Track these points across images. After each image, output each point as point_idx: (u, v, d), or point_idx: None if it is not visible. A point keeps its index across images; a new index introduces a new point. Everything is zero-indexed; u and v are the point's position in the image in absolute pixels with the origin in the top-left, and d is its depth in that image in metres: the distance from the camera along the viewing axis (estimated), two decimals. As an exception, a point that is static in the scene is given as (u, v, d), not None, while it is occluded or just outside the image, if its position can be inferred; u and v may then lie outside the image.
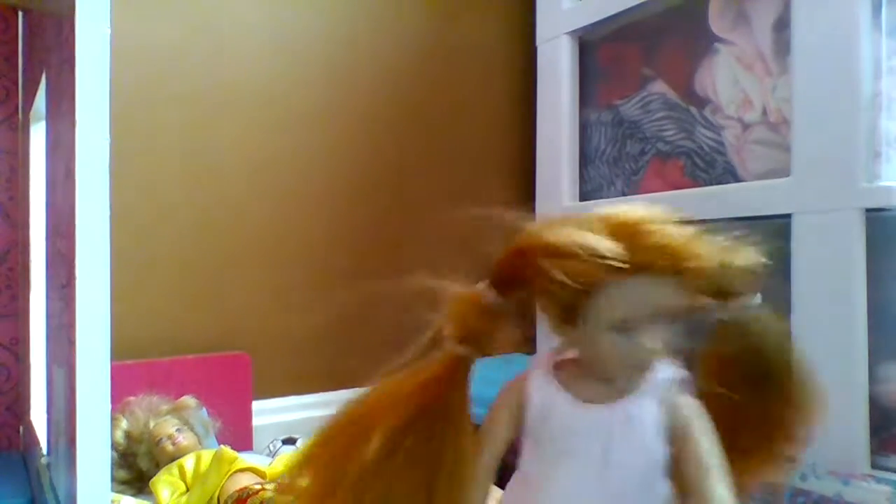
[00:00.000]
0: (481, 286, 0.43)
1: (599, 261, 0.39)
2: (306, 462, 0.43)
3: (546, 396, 0.45)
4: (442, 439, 0.42)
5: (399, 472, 0.41)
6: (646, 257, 0.40)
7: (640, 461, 0.44)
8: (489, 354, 0.43)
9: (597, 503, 0.44)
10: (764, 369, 0.46)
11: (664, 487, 0.44)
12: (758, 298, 0.45)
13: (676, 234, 0.40)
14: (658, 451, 0.44)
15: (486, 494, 0.45)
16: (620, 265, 0.39)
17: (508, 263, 0.43)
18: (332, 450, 0.43)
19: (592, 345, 0.43)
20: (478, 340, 0.43)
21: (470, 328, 0.43)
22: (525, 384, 0.46)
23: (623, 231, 0.40)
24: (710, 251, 0.41)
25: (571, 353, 0.46)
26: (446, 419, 0.42)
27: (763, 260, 0.44)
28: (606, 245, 0.39)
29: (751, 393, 0.46)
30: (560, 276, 0.39)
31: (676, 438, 0.44)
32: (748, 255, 0.44)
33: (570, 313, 0.42)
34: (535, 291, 0.43)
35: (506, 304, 0.43)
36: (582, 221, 0.42)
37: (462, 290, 0.43)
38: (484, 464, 0.45)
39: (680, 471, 0.44)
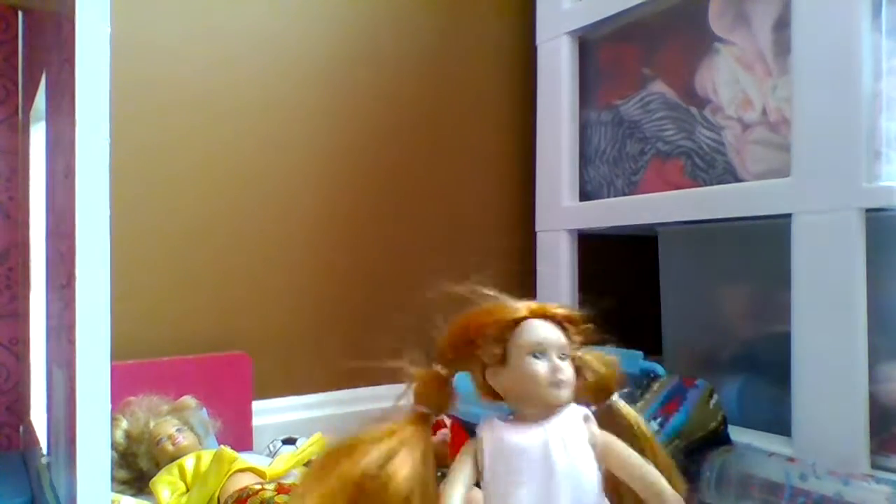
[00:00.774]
0: (434, 365, 0.58)
1: (512, 311, 0.57)
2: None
3: (495, 434, 0.57)
4: (412, 475, 0.54)
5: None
6: (539, 310, 0.58)
7: (582, 466, 0.54)
8: (443, 411, 0.58)
9: None
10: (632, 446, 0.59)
11: (598, 489, 0.55)
12: (616, 397, 0.60)
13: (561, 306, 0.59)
14: (591, 459, 0.55)
15: None
16: (526, 312, 0.58)
17: (453, 336, 0.58)
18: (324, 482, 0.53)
19: (520, 370, 0.56)
20: (434, 402, 0.58)
21: (428, 394, 0.58)
22: (478, 433, 0.58)
23: (521, 303, 0.59)
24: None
25: (510, 413, 0.59)
26: (418, 456, 0.55)
27: (623, 370, 0.61)
28: (515, 303, 0.59)
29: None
30: (494, 319, 0.57)
31: (602, 451, 0.56)
32: (611, 359, 0.60)
33: (499, 353, 0.57)
34: (474, 353, 0.58)
35: (451, 372, 0.58)
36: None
37: (420, 370, 0.58)
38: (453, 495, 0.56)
39: (613, 478, 0.56)
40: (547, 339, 0.57)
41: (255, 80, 1.22)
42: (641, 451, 0.58)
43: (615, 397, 0.61)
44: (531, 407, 0.57)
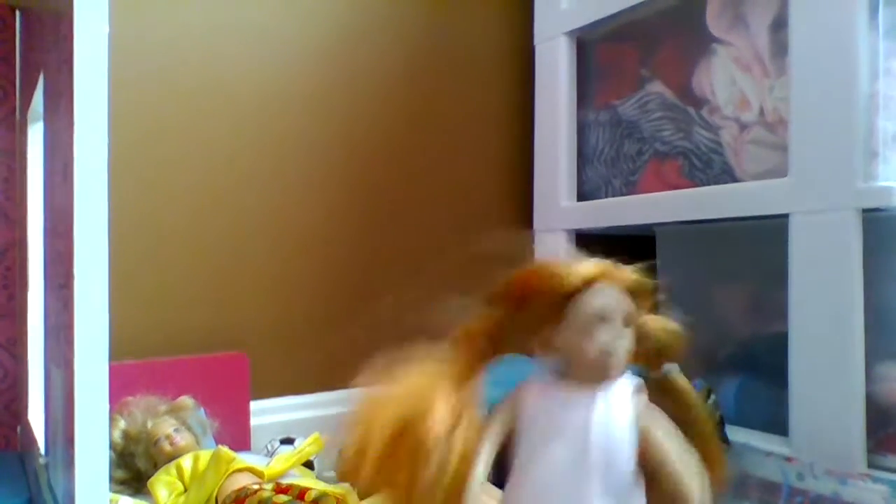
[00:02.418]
0: (486, 309, 0.57)
1: (579, 271, 0.55)
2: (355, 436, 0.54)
3: (537, 394, 0.56)
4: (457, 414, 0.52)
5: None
6: (609, 274, 0.55)
7: (615, 443, 0.53)
8: (499, 353, 0.56)
9: (576, 478, 0.52)
10: (678, 421, 0.57)
11: (632, 468, 0.53)
12: (675, 367, 0.59)
13: (627, 270, 0.57)
14: (630, 435, 0.53)
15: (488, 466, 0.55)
16: (592, 274, 0.55)
17: (512, 286, 0.56)
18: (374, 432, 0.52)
19: (575, 338, 0.54)
20: (492, 339, 0.56)
21: (486, 331, 0.56)
22: (519, 391, 0.57)
23: (590, 263, 0.56)
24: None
25: (555, 371, 0.57)
26: (464, 402, 0.53)
27: (683, 330, 0.58)
28: (581, 263, 0.55)
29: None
30: (556, 280, 0.54)
31: (643, 428, 0.54)
32: (675, 327, 0.58)
33: (559, 312, 0.54)
34: (533, 304, 0.55)
35: (508, 318, 0.56)
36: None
37: (468, 321, 0.56)
38: (490, 438, 0.55)
39: (648, 455, 0.54)
40: (610, 308, 0.54)
41: (253, 80, 1.21)
42: (689, 424, 0.56)
43: (671, 367, 0.59)
44: (579, 373, 0.55)
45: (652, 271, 0.57)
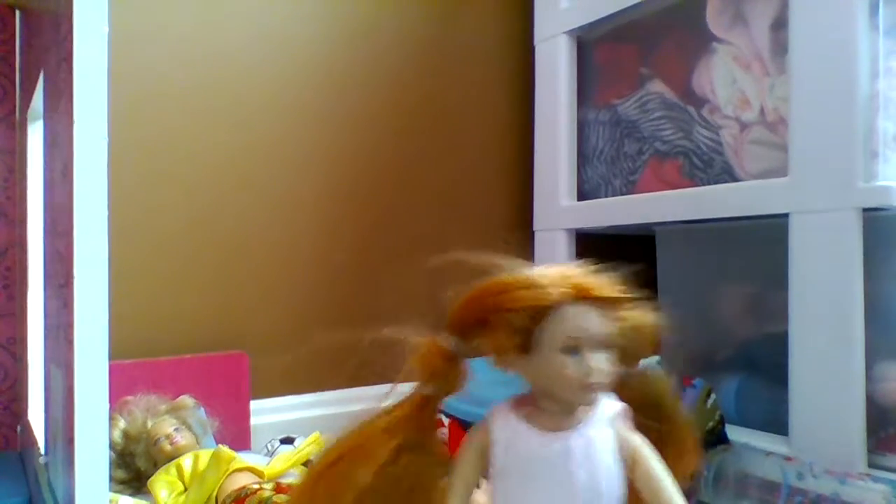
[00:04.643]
0: (442, 334, 0.50)
1: (546, 289, 0.47)
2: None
3: (509, 431, 0.50)
4: (416, 472, 0.49)
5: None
6: (584, 290, 0.48)
7: (602, 482, 0.48)
8: (452, 392, 0.50)
9: None
10: (655, 416, 0.54)
11: (620, 500, 0.49)
12: (655, 360, 0.54)
13: (602, 278, 0.50)
14: (617, 472, 0.49)
15: None
16: (564, 292, 0.47)
17: (466, 308, 0.50)
18: (316, 491, 0.49)
19: (546, 367, 0.48)
20: (442, 380, 0.50)
21: (434, 370, 0.49)
22: (489, 424, 0.51)
23: (560, 275, 0.49)
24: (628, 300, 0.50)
25: (525, 396, 0.52)
26: (420, 452, 0.49)
27: (662, 323, 0.52)
28: (551, 276, 0.48)
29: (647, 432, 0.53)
30: (518, 304, 0.47)
31: (630, 462, 0.50)
32: (654, 319, 0.51)
33: (525, 341, 0.48)
34: (492, 330, 0.49)
35: (464, 347, 0.50)
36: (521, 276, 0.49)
37: (425, 339, 0.50)
38: (459, 496, 0.50)
39: (636, 491, 0.50)
40: (585, 333, 0.47)
41: (253, 81, 1.21)
42: (666, 418, 0.53)
43: (647, 362, 0.54)
44: (554, 403, 0.50)
45: (639, 273, 0.52)
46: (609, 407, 0.51)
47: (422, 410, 0.50)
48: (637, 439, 0.51)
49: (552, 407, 0.50)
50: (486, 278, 0.49)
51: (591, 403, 0.50)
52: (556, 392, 0.49)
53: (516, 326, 0.47)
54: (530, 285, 0.47)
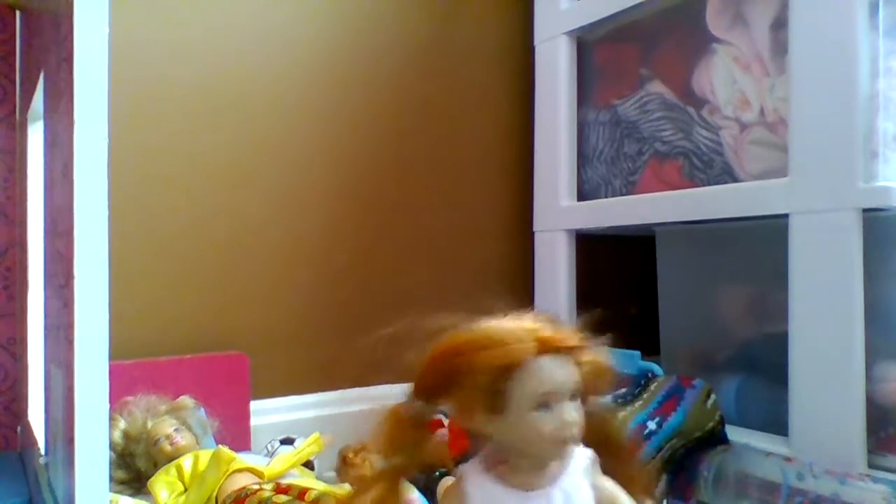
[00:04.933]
0: (404, 400, 0.49)
1: (512, 346, 0.46)
2: None
3: (485, 492, 0.49)
4: None
5: None
6: (549, 342, 0.47)
7: None
8: (422, 461, 0.49)
9: None
10: (608, 451, 0.54)
11: None
12: (607, 398, 0.54)
13: (564, 330, 0.49)
14: None
15: None
16: (529, 347, 0.46)
17: (430, 371, 0.49)
18: None
19: (519, 425, 0.47)
20: (410, 449, 0.49)
21: (401, 442, 0.49)
22: (462, 485, 0.50)
23: (523, 330, 0.48)
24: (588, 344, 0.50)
25: (496, 453, 0.51)
26: None
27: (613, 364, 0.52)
28: (514, 332, 0.47)
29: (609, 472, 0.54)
30: (485, 365, 0.46)
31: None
32: (607, 358, 0.51)
33: (495, 400, 0.47)
34: (458, 390, 0.48)
35: (431, 410, 0.49)
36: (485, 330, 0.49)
37: (386, 409, 0.49)
38: None
39: None
40: (557, 386, 0.47)
41: (254, 81, 1.21)
42: (615, 457, 0.54)
43: (602, 400, 0.54)
44: (527, 460, 0.49)
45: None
46: (581, 456, 0.51)
47: (391, 487, 0.49)
48: (610, 485, 0.51)
49: (524, 464, 0.49)
50: (446, 336, 0.49)
51: (565, 458, 0.50)
52: (531, 450, 0.48)
53: (483, 388, 0.46)
54: (494, 344, 0.47)
